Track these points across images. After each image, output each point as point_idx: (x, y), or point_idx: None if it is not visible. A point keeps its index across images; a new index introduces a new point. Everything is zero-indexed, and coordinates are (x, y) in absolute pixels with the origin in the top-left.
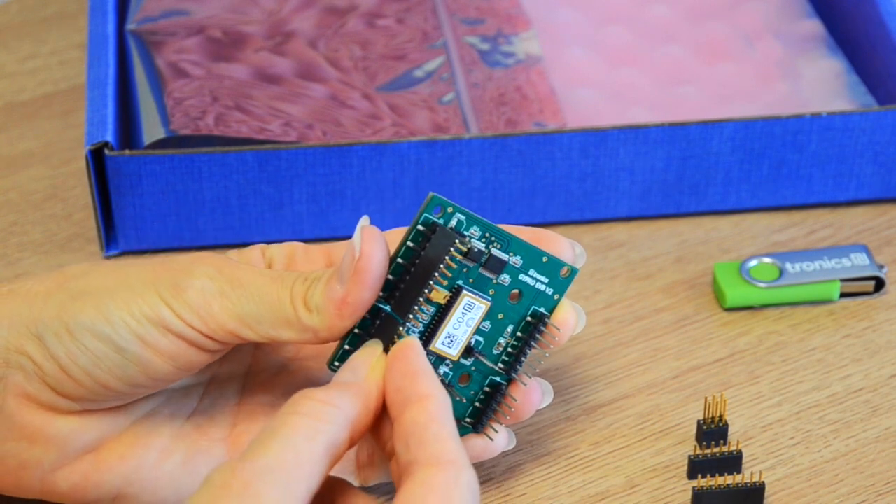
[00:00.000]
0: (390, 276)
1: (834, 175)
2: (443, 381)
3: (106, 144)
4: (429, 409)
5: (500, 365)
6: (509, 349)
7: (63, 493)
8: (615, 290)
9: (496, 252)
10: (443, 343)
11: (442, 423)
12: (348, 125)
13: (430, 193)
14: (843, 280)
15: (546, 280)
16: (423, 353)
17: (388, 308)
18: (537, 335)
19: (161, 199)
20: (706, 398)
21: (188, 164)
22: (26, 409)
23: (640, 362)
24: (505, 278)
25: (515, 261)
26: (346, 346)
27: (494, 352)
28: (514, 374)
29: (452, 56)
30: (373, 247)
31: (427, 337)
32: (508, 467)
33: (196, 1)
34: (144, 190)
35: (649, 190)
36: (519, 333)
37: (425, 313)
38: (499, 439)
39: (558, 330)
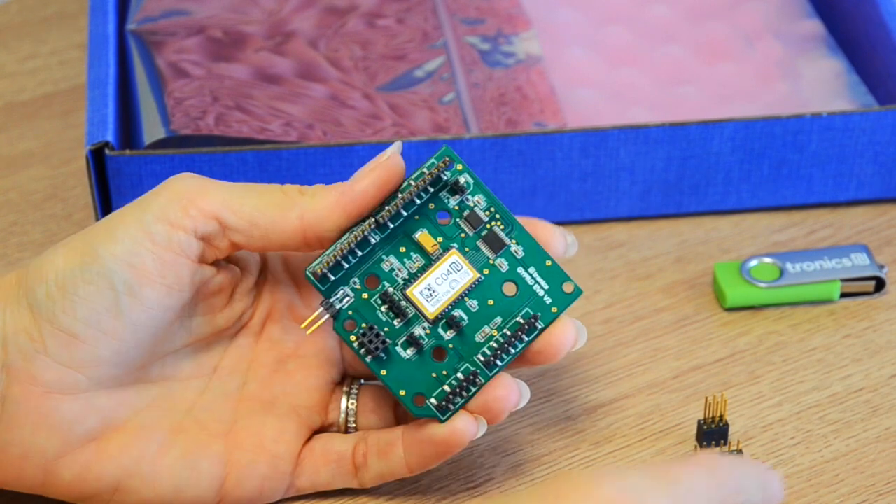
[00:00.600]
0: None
1: (834, 175)
2: (415, 343)
3: (106, 144)
4: None
5: (480, 356)
6: (493, 343)
7: (65, 483)
8: (615, 290)
9: (497, 230)
10: (421, 293)
11: None
12: (348, 125)
13: (444, 146)
14: (843, 280)
15: (546, 286)
16: None
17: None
18: (525, 338)
19: None
20: (706, 398)
21: (188, 164)
22: (31, 395)
23: (641, 362)
24: (502, 262)
25: (516, 249)
26: (328, 254)
27: (477, 338)
28: (493, 371)
29: (452, 56)
30: (398, 159)
31: (407, 283)
32: (509, 467)
33: (196, 1)
34: (145, 190)
35: (649, 190)
36: (506, 330)
37: (412, 260)
38: (468, 428)
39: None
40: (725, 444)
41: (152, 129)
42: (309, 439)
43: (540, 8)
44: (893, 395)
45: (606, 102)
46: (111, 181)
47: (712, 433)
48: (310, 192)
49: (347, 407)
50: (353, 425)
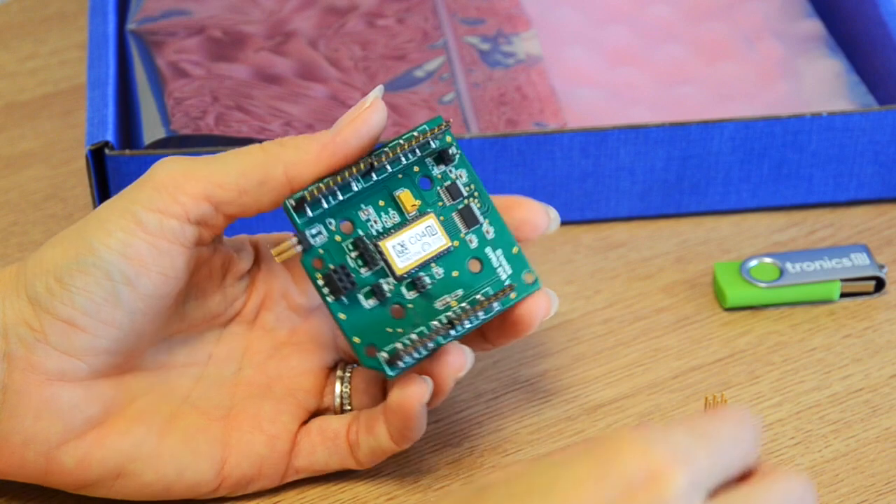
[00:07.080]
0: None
1: (834, 175)
2: (378, 294)
3: (106, 144)
4: None
5: (437, 322)
6: (450, 312)
7: (67, 470)
8: (615, 290)
9: (473, 206)
10: (394, 247)
11: None
12: None
13: (439, 115)
14: (843, 280)
15: (509, 271)
16: None
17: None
18: (481, 316)
19: None
20: (706, 398)
21: None
22: (32, 383)
23: (641, 362)
24: (472, 238)
25: (488, 229)
26: (309, 189)
27: (437, 305)
28: (447, 339)
29: (452, 56)
30: (379, 106)
31: (380, 236)
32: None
33: (196, 1)
34: None
35: (649, 190)
36: (465, 304)
37: (388, 216)
38: (416, 390)
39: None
40: None
41: (152, 128)
42: (306, 422)
43: (540, 8)
44: (893, 395)
45: (606, 102)
46: (111, 181)
47: None
48: (291, 145)
49: (342, 391)
50: (349, 408)
